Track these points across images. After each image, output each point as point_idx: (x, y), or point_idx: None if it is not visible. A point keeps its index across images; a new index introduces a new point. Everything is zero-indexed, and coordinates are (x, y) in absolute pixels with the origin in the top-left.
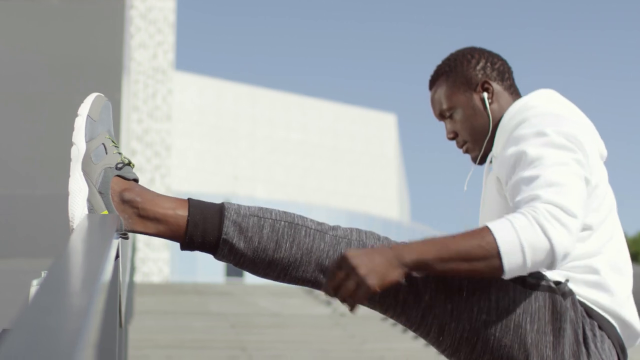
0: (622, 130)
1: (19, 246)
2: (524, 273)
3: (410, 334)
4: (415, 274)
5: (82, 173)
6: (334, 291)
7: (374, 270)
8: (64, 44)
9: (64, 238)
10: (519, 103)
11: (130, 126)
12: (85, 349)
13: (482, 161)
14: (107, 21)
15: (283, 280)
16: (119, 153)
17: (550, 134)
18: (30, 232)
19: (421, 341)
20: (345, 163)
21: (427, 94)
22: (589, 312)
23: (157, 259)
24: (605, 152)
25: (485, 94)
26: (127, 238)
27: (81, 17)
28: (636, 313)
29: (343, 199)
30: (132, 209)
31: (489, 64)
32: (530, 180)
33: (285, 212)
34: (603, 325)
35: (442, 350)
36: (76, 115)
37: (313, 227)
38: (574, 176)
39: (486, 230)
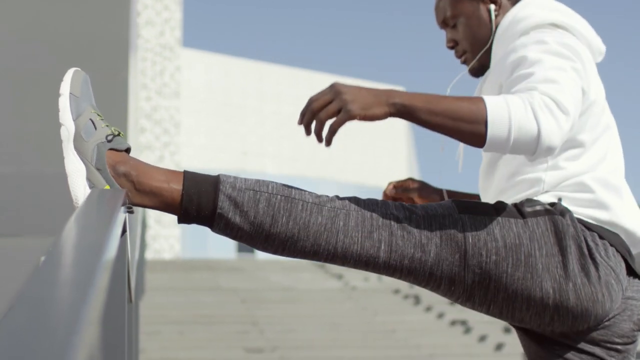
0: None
1: (26, 224)
2: (503, 152)
3: (422, 306)
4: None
5: (75, 152)
6: (315, 111)
7: (359, 100)
8: (70, 23)
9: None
10: (510, 14)
11: (139, 104)
12: (88, 323)
13: (480, 73)
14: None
15: (282, 254)
16: (107, 125)
17: (550, 43)
18: (38, 210)
19: (433, 313)
20: (353, 136)
21: (436, 65)
22: (587, 226)
23: (168, 236)
24: (603, 48)
25: (492, 6)
26: (132, 212)
27: None
28: (636, 221)
29: (353, 171)
30: (128, 182)
31: None
32: (528, 75)
33: (283, 185)
34: (604, 234)
35: (455, 298)
36: (58, 95)
37: (310, 200)
38: (570, 80)
39: (480, 99)
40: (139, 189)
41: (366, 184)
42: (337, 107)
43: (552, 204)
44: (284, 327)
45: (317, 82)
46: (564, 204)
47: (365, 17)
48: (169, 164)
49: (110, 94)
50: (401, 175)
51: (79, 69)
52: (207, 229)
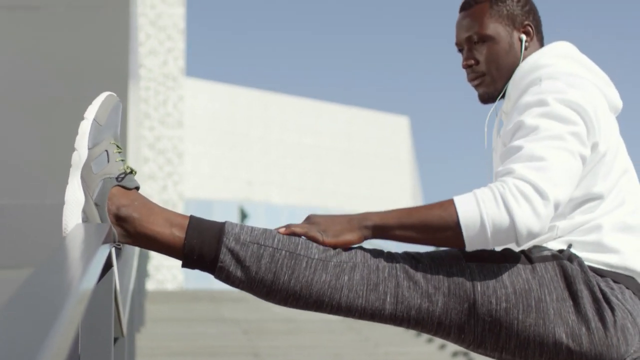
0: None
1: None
2: (488, 247)
3: (424, 337)
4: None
5: (80, 181)
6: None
7: (331, 229)
8: (70, 52)
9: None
10: (532, 59)
11: (142, 133)
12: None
13: (490, 101)
14: (113, 28)
15: (285, 306)
16: (122, 160)
17: (552, 104)
18: (40, 241)
19: (435, 344)
20: (358, 166)
21: (440, 96)
22: (598, 272)
23: (171, 266)
24: (620, 105)
25: (524, 36)
26: (120, 248)
27: (87, 24)
28: None
29: (358, 201)
30: (128, 225)
31: (532, 11)
32: (515, 151)
33: (289, 239)
34: (617, 279)
35: (467, 345)
36: (82, 118)
37: (316, 256)
38: (563, 151)
39: (450, 201)
40: (141, 233)
41: None
42: (313, 235)
43: (560, 251)
44: (286, 358)
45: (321, 111)
46: (575, 249)
47: (370, 46)
48: (172, 194)
49: None
50: (406, 205)
51: (113, 94)
52: None
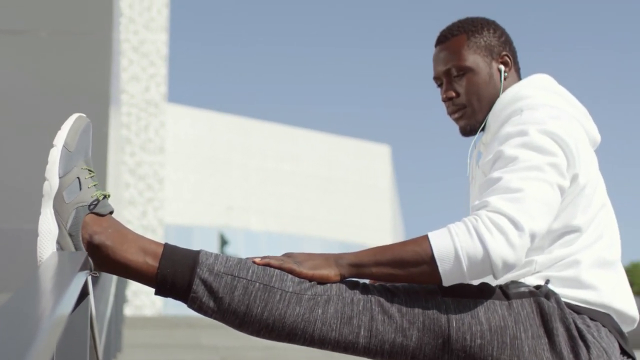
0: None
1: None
2: (465, 281)
3: None
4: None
5: (52, 211)
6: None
7: (308, 263)
8: (52, 77)
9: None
10: (511, 91)
11: (123, 159)
12: None
13: (471, 133)
14: (95, 53)
15: (257, 337)
16: (95, 185)
17: (532, 134)
18: (18, 267)
19: None
20: (338, 194)
21: (422, 126)
22: (575, 310)
23: (149, 292)
24: (598, 138)
25: (503, 67)
26: (96, 276)
27: (70, 49)
28: (628, 299)
29: (337, 229)
30: (102, 253)
31: (509, 42)
32: (493, 182)
33: (264, 271)
34: (594, 316)
35: None
36: (52, 145)
37: (290, 289)
38: (540, 182)
39: (424, 237)
40: (114, 261)
41: (350, 242)
42: (289, 267)
43: (538, 287)
44: None
45: (301, 139)
46: (552, 284)
47: (350, 75)
48: (152, 219)
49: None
50: (387, 234)
51: (82, 115)
52: None
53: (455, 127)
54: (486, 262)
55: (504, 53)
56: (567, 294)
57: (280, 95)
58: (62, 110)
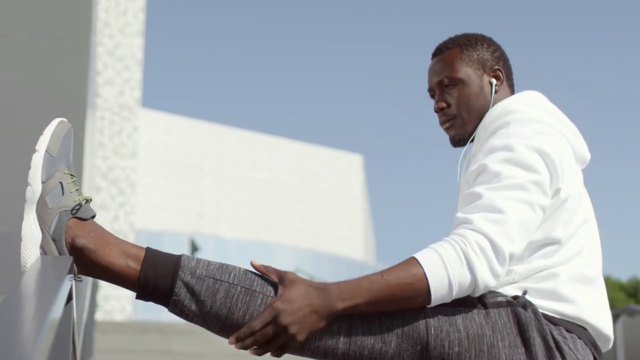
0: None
1: None
2: (447, 301)
3: None
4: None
5: (35, 216)
6: (259, 343)
7: (305, 328)
8: (29, 81)
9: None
10: (502, 105)
11: (95, 163)
12: None
13: (461, 144)
14: (73, 58)
15: None
16: (77, 189)
17: (517, 149)
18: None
19: None
20: (311, 203)
21: (395, 135)
22: (552, 321)
23: (120, 297)
24: (587, 156)
25: (494, 80)
26: (80, 280)
27: (47, 54)
28: (605, 318)
29: (309, 238)
30: (84, 256)
31: (503, 57)
32: (475, 198)
33: (246, 274)
34: (570, 328)
35: None
36: (34, 150)
37: (272, 294)
38: (522, 204)
39: (416, 265)
40: (96, 264)
41: (322, 252)
42: (283, 341)
43: (515, 297)
44: None
45: (275, 147)
46: (530, 295)
47: (324, 84)
48: (123, 224)
49: None
50: (358, 243)
51: (64, 120)
52: None
53: (427, 139)
54: (472, 287)
55: (496, 67)
56: (544, 305)
57: (255, 103)
58: (40, 114)
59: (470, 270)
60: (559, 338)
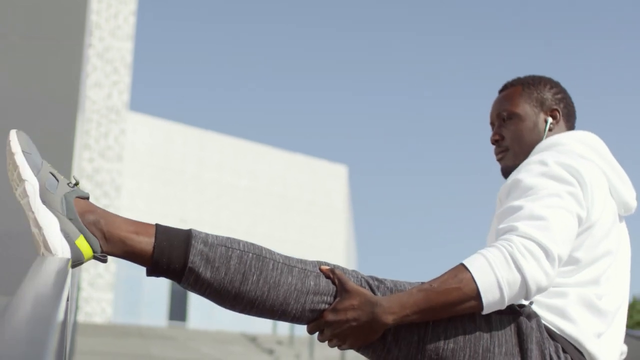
0: None
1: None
2: (503, 307)
3: None
4: None
5: (44, 206)
6: (330, 337)
7: (348, 338)
8: (21, 82)
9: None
10: (551, 139)
11: (81, 164)
12: None
13: (508, 175)
14: (66, 60)
15: (250, 312)
16: (64, 178)
17: (550, 164)
18: None
19: None
20: (293, 212)
21: (379, 147)
22: (552, 335)
23: (100, 299)
24: (632, 204)
25: (550, 119)
26: (105, 261)
27: (40, 55)
28: (608, 352)
29: (291, 247)
30: (97, 230)
31: (565, 100)
32: (515, 210)
33: (253, 244)
34: (567, 349)
35: None
36: (11, 154)
37: (281, 260)
38: (562, 210)
39: (464, 271)
40: (108, 238)
41: (303, 254)
42: (343, 343)
43: (521, 306)
44: None
45: (259, 154)
46: (536, 306)
47: (311, 94)
48: None
49: (55, 154)
50: (339, 254)
51: (18, 130)
52: (140, 294)
53: (417, 152)
54: (523, 288)
55: (554, 107)
56: (548, 318)
57: (239, 109)
58: (31, 115)
59: (518, 270)
60: (554, 356)
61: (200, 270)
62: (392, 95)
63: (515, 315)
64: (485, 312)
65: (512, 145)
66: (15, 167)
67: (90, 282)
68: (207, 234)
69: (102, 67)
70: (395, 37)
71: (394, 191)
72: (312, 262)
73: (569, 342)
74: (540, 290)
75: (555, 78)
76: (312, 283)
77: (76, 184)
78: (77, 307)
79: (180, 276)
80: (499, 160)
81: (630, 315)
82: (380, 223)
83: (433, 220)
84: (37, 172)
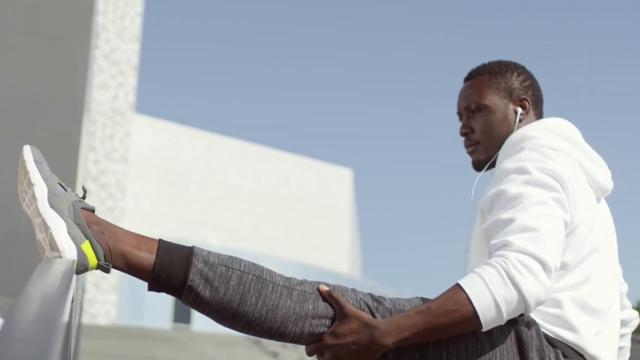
0: None
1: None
2: (502, 323)
3: None
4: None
5: (52, 209)
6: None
7: (350, 339)
8: (27, 81)
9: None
10: (521, 131)
11: (87, 166)
12: None
13: (480, 168)
14: (72, 60)
15: (248, 332)
16: (72, 190)
17: (532, 171)
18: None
19: None
20: (298, 214)
21: (386, 150)
22: (552, 343)
23: (104, 301)
24: (608, 185)
25: (520, 109)
26: (108, 271)
27: (46, 54)
28: (608, 352)
29: (295, 249)
30: (102, 242)
31: (532, 87)
32: (506, 223)
33: (254, 265)
34: (567, 354)
35: None
36: (23, 161)
37: (280, 283)
38: (551, 218)
39: (459, 291)
40: (111, 251)
41: (306, 263)
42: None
43: (520, 315)
44: None
45: (264, 157)
46: (533, 315)
47: (317, 98)
48: None
49: (61, 156)
50: (344, 257)
51: (31, 146)
52: (144, 296)
53: (422, 156)
54: (521, 304)
55: (523, 97)
56: (547, 327)
57: (244, 112)
58: (37, 115)
59: (515, 287)
60: None
61: (199, 289)
62: (398, 97)
63: (515, 324)
64: (485, 329)
65: (482, 138)
66: (26, 172)
67: (95, 284)
68: (209, 252)
69: (108, 69)
70: (401, 38)
71: (399, 193)
72: (311, 283)
73: (569, 346)
74: (540, 303)
75: (555, 77)
76: (310, 307)
77: (83, 196)
78: (81, 309)
79: (180, 293)
80: (470, 153)
81: None
82: (385, 226)
83: (438, 223)
84: (45, 179)
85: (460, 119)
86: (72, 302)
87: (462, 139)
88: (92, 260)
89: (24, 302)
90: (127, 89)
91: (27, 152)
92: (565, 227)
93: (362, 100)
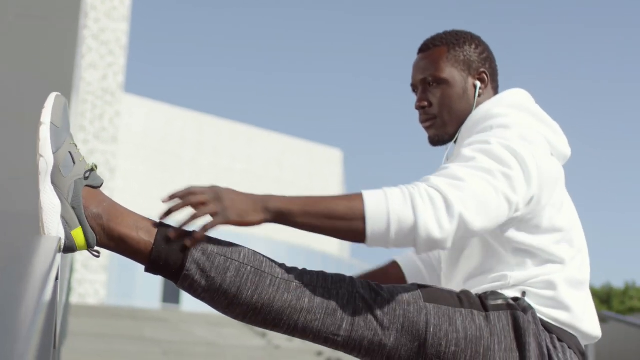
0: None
1: None
2: (386, 245)
3: None
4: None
5: (52, 187)
6: (192, 205)
7: (237, 207)
8: (15, 61)
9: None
10: (483, 108)
11: None
12: None
13: (439, 144)
14: (61, 40)
15: (242, 321)
16: (84, 158)
17: (493, 144)
18: None
19: None
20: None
21: (375, 131)
22: (547, 327)
23: (94, 281)
24: (568, 152)
25: (479, 83)
26: (98, 256)
27: (35, 34)
28: (593, 321)
29: (285, 230)
30: (98, 225)
31: (490, 59)
32: (442, 169)
33: (255, 255)
34: (563, 336)
35: None
36: (40, 123)
37: (279, 275)
38: (486, 184)
39: (359, 195)
40: (108, 234)
41: (297, 245)
42: (215, 210)
43: (516, 299)
44: None
45: (255, 138)
46: (528, 299)
47: (307, 78)
48: None
49: None
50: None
51: (59, 94)
52: (134, 276)
53: (412, 137)
54: (411, 231)
55: (481, 70)
56: (542, 310)
57: (236, 93)
58: (24, 97)
59: (413, 210)
60: (550, 346)
61: (195, 278)
62: (387, 78)
63: (512, 310)
64: (368, 242)
65: (440, 113)
66: (38, 139)
67: (84, 264)
68: (209, 239)
69: (97, 49)
70: (392, 22)
71: (388, 174)
72: (310, 275)
73: (564, 330)
74: (430, 241)
75: (554, 73)
76: (306, 300)
77: (92, 169)
78: (70, 289)
79: (176, 280)
80: (427, 127)
81: (622, 302)
82: None
83: None
84: (56, 149)
85: (415, 92)
86: (57, 280)
87: (417, 112)
88: (82, 247)
89: (3, 280)
90: (117, 69)
91: (47, 110)
92: (510, 208)
93: (352, 81)
